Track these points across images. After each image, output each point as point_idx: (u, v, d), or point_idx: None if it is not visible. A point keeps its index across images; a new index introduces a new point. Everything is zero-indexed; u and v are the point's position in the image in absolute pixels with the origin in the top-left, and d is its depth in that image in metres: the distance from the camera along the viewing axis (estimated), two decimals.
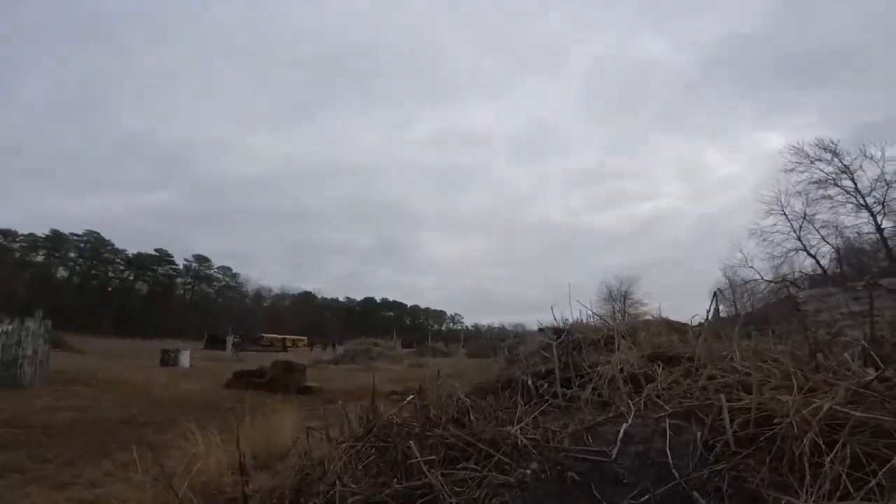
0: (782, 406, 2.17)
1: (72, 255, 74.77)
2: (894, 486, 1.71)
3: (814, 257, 27.47)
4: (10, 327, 12.22)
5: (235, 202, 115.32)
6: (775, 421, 2.14)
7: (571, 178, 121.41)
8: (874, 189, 25.07)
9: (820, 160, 26.69)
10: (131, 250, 78.00)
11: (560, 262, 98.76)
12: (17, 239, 67.65)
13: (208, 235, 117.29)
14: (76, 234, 73.85)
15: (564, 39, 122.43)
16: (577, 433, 2.38)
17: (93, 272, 76.64)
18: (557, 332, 4.55)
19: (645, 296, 41.20)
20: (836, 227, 26.85)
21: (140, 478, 4.13)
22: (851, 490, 1.74)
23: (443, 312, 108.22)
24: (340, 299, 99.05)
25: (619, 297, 44.10)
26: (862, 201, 25.49)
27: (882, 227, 24.92)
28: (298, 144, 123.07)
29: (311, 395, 11.95)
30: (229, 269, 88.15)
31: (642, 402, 2.72)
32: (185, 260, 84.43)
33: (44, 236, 70.38)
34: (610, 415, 2.59)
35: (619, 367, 3.10)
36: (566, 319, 5.16)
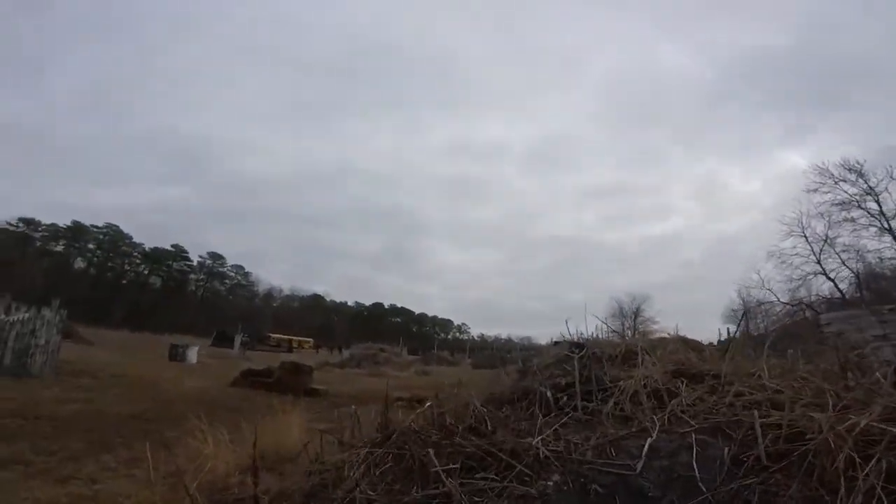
0: (813, 423, 2.19)
1: (90, 246, 76.12)
2: None
3: (833, 281, 26.81)
4: (26, 315, 12.29)
5: (250, 201, 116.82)
6: (807, 437, 2.16)
7: (585, 192, 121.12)
8: None
9: (844, 181, 26.03)
10: (149, 245, 79.45)
11: (568, 278, 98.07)
12: (40, 228, 69.04)
13: (223, 233, 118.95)
14: (96, 227, 75.30)
15: (584, 51, 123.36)
16: (600, 446, 2.35)
17: (109, 264, 77.93)
18: (574, 345, 4.46)
19: (656, 314, 40.63)
20: (858, 250, 26.17)
21: (144, 475, 4.09)
22: (886, 502, 1.77)
23: (450, 321, 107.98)
24: (349, 303, 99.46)
25: (629, 315, 43.56)
26: (886, 225, 24.83)
27: None
28: (314, 146, 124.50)
29: (318, 398, 11.89)
30: (242, 267, 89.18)
31: (666, 417, 2.70)
32: (200, 257, 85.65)
33: (65, 227, 71.81)
34: (633, 429, 2.55)
35: (643, 382, 3.02)
36: (581, 334, 5.09)
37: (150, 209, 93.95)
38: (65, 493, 4.04)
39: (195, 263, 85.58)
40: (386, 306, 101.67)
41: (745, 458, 2.19)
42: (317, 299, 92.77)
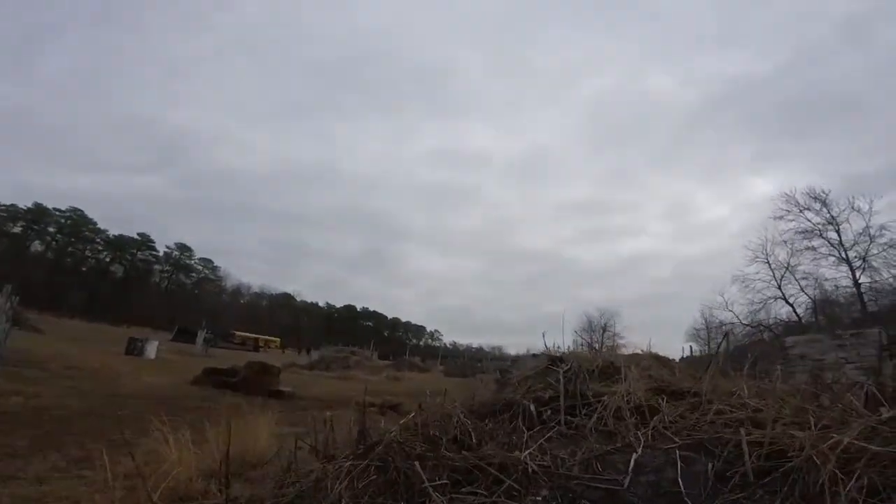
0: (795, 440, 2.28)
1: (51, 229, 72.04)
2: None
3: (791, 306, 28.17)
4: None
5: (227, 196, 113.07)
6: (789, 454, 2.22)
7: (563, 207, 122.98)
8: (857, 243, 25.86)
9: (809, 209, 27.48)
10: (114, 232, 75.88)
11: (542, 290, 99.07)
12: None
13: (194, 226, 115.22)
14: (59, 210, 71.34)
15: (575, 69, 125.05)
16: (587, 461, 2.33)
17: (69, 249, 73.90)
18: (553, 359, 4.44)
19: (623, 329, 41.52)
20: (816, 278, 27.62)
21: (96, 476, 3.80)
22: None
23: (422, 328, 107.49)
24: (320, 304, 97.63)
25: (598, 329, 44.37)
26: (843, 255, 26.26)
27: (859, 281, 25.61)
28: (298, 146, 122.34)
29: (283, 400, 11.50)
30: (211, 261, 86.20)
31: (650, 433, 2.71)
32: (167, 247, 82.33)
33: (25, 209, 67.88)
34: (618, 444, 2.53)
35: (626, 398, 3.01)
36: (558, 347, 5.08)
37: (123, 197, 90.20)
38: (7, 494, 3.68)
39: (161, 254, 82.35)
40: (358, 309, 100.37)
41: (729, 475, 2.24)
42: (287, 298, 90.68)
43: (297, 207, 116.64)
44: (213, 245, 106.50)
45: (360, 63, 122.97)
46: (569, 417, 2.96)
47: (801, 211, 27.55)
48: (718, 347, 4.14)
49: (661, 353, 5.97)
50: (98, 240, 76.01)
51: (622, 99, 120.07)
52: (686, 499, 2.09)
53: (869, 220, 25.36)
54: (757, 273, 28.69)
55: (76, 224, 72.96)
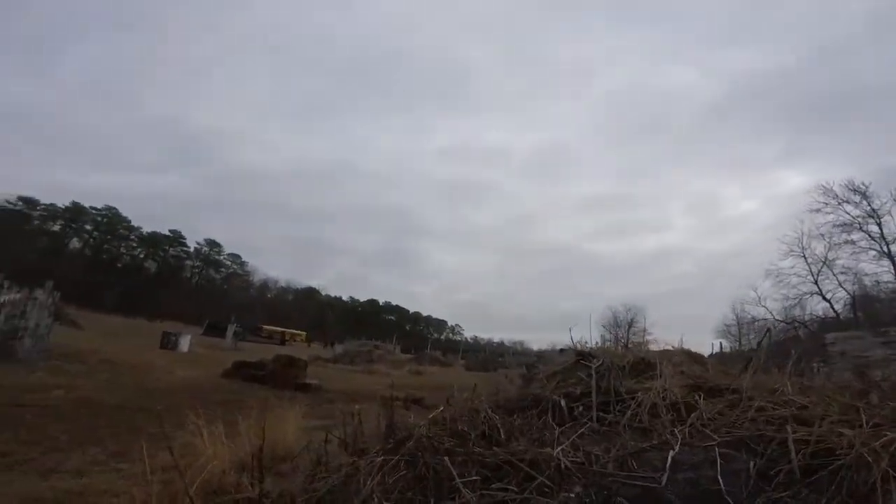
0: (843, 439, 2.24)
1: (88, 227, 75.16)
2: None
3: (829, 301, 26.92)
4: (17, 296, 11.96)
5: (251, 194, 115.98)
6: (838, 452, 2.17)
7: (584, 202, 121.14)
8: None
9: (847, 202, 26.18)
10: (146, 229, 78.71)
11: (563, 285, 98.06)
12: (38, 208, 68.19)
13: (221, 224, 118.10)
14: (95, 208, 74.23)
15: (593, 62, 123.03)
16: (622, 458, 2.26)
17: (105, 247, 77.04)
18: (581, 354, 4.34)
19: (650, 325, 40.67)
20: (856, 273, 26.33)
21: (133, 469, 3.88)
22: None
23: (444, 322, 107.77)
24: (344, 298, 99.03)
25: (624, 325, 43.59)
26: (886, 249, 24.94)
27: None
28: (317, 144, 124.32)
29: (310, 393, 11.71)
30: (239, 256, 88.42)
31: (687, 430, 2.62)
32: (197, 243, 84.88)
33: (63, 207, 70.88)
34: (654, 441, 2.46)
35: (661, 394, 2.91)
36: (585, 342, 4.98)
37: (151, 196, 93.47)
38: (48, 488, 3.75)
39: (192, 250, 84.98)
40: (381, 303, 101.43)
41: (771, 473, 2.19)
42: (311, 293, 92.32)
43: (318, 204, 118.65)
44: (240, 243, 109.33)
45: (377, 62, 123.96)
46: (601, 414, 2.88)
47: (839, 203, 26.26)
48: (759, 343, 3.98)
49: (692, 350, 5.80)
50: (132, 237, 78.93)
51: (642, 92, 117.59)
52: (727, 497, 2.05)
53: None
54: (792, 267, 27.57)
55: (111, 222, 75.93)
